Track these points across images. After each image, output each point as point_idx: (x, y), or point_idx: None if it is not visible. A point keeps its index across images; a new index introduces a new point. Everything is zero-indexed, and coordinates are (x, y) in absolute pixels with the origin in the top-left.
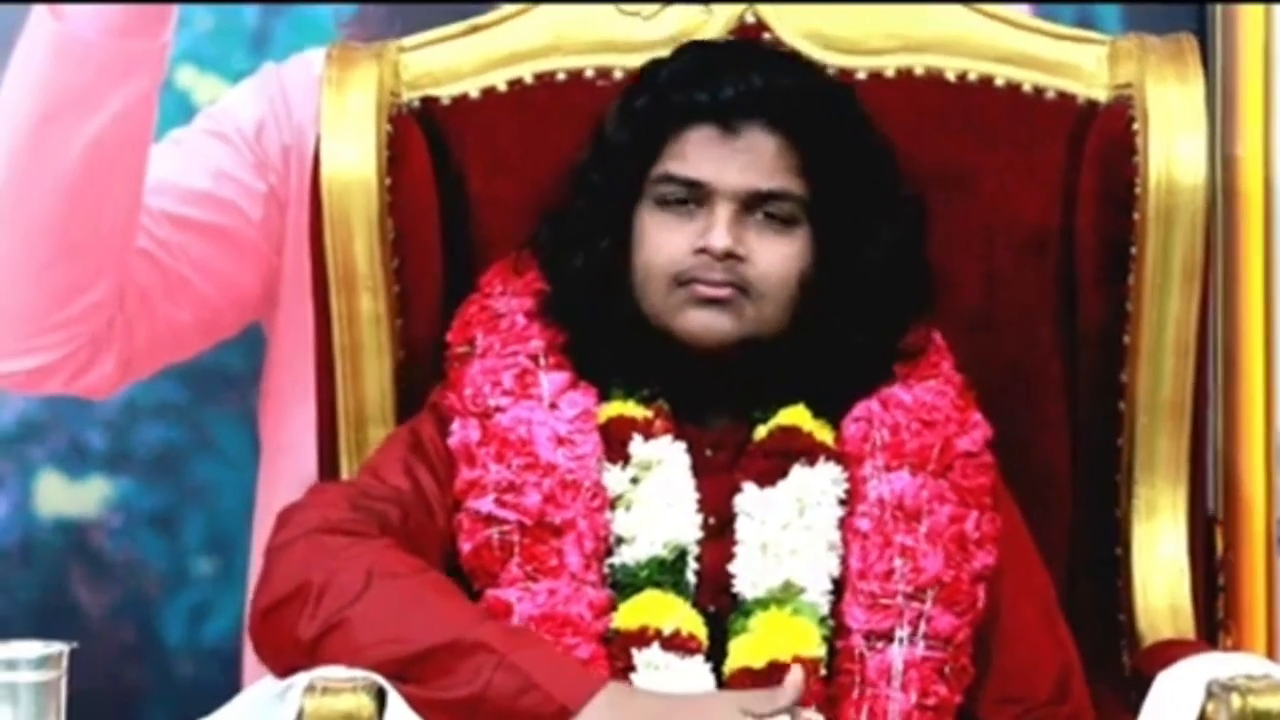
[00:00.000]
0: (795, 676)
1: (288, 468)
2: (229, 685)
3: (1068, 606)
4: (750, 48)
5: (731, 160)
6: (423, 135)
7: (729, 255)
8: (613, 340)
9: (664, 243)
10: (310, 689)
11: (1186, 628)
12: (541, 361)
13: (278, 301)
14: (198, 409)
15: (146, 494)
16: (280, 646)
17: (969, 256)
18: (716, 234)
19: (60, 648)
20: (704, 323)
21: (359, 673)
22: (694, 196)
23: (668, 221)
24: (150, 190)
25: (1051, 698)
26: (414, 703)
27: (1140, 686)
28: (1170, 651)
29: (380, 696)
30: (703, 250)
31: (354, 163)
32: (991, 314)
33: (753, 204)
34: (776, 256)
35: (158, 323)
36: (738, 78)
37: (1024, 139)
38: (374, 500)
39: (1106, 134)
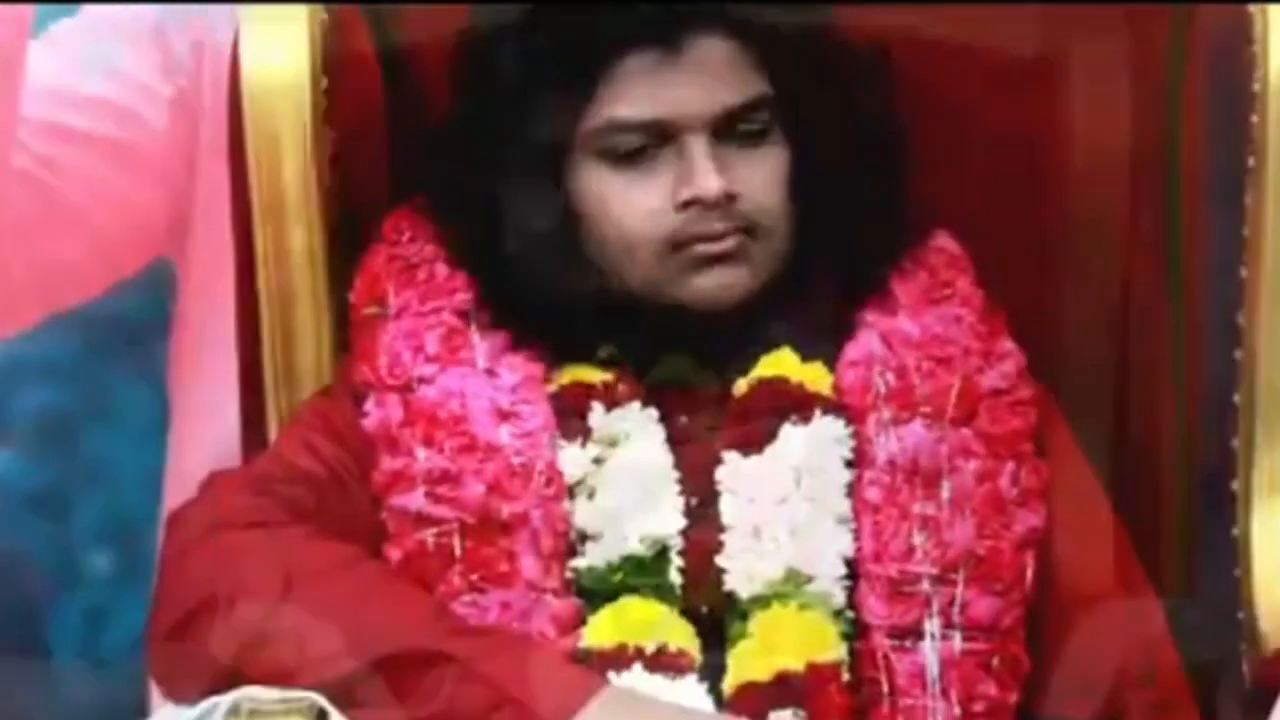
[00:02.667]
0: None
1: (203, 439)
2: (133, 707)
3: (1174, 600)
4: None
5: (687, 83)
6: (367, 26)
7: (725, 198)
8: (563, 308)
9: (634, 205)
10: (234, 712)
11: None
12: (472, 318)
13: (189, 233)
14: (91, 367)
15: (29, 471)
16: (191, 677)
17: (1039, 174)
18: (702, 178)
19: None
20: (717, 284)
21: (294, 692)
22: (653, 139)
23: (627, 177)
24: (27, 96)
25: (1136, 680)
26: None
27: (1264, 701)
28: None
29: (320, 719)
30: (690, 202)
31: (282, 60)
32: (1072, 246)
33: (724, 127)
34: (766, 178)
35: (39, 259)
36: None
37: (1109, 23)
38: (279, 483)
39: (1216, 16)
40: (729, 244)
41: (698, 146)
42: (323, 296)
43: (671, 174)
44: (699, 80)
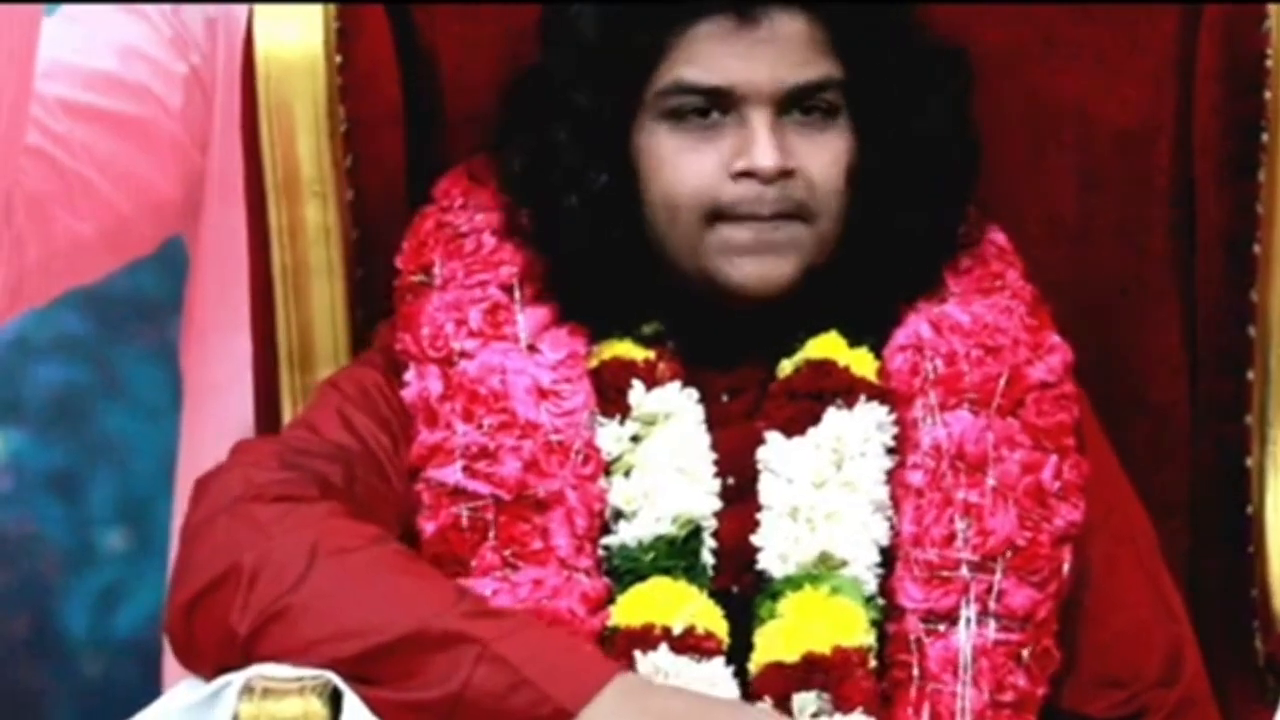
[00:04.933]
0: None
1: (216, 417)
2: (146, 687)
3: (1187, 579)
4: None
5: (757, 55)
6: (382, 2)
7: (781, 173)
8: (613, 274)
9: (688, 168)
10: (248, 691)
11: None
12: (516, 293)
13: (202, 210)
14: (105, 345)
15: (42, 450)
16: (207, 647)
17: (1060, 150)
18: (761, 150)
19: None
20: (760, 273)
21: (307, 671)
22: (717, 105)
23: (687, 140)
24: (42, 74)
25: (1159, 679)
26: (376, 706)
27: (1278, 677)
28: None
29: (335, 699)
30: (745, 173)
31: (297, 37)
32: (1089, 221)
33: (789, 103)
34: (826, 160)
35: (55, 238)
36: None
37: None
38: (310, 457)
39: None
40: (779, 234)
41: (760, 119)
42: (338, 272)
43: (730, 144)
44: (769, 53)
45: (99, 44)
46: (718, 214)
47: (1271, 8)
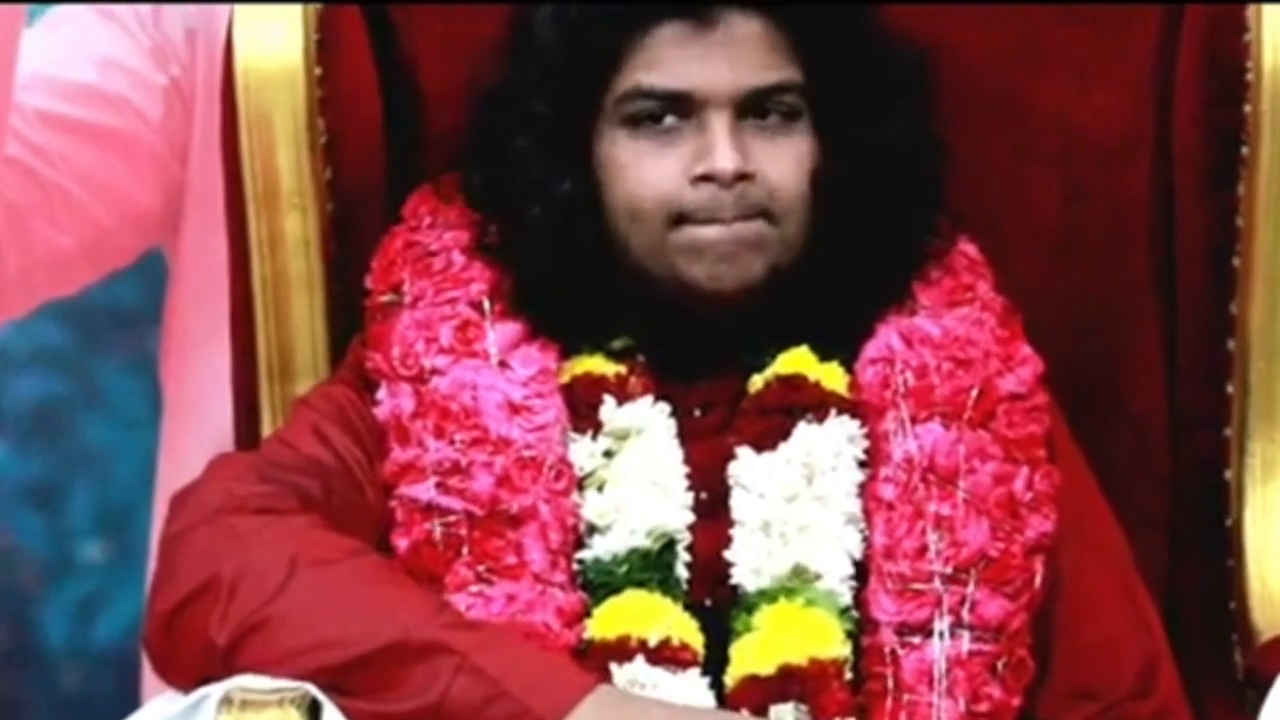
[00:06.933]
0: None
1: (196, 428)
2: (125, 697)
3: (1166, 591)
4: None
5: (715, 58)
6: (361, 14)
7: (740, 177)
8: (581, 287)
9: (649, 173)
10: (227, 702)
11: None
12: (487, 309)
13: (182, 222)
14: (84, 356)
15: (21, 461)
16: (186, 658)
17: (1040, 163)
18: (720, 154)
19: None
20: (726, 272)
21: (286, 682)
22: (676, 110)
23: (647, 146)
24: (21, 86)
25: (1134, 691)
26: (355, 717)
27: (1257, 690)
28: None
29: (314, 710)
30: (704, 177)
31: (276, 49)
32: (1070, 234)
33: (749, 106)
34: (787, 163)
35: (34, 248)
36: None
37: (1106, 12)
38: (288, 471)
39: (1210, 4)
40: (742, 230)
41: (719, 123)
42: (317, 284)
43: (689, 148)
44: (726, 56)
45: (78, 56)
46: (680, 218)
47: (1251, 18)
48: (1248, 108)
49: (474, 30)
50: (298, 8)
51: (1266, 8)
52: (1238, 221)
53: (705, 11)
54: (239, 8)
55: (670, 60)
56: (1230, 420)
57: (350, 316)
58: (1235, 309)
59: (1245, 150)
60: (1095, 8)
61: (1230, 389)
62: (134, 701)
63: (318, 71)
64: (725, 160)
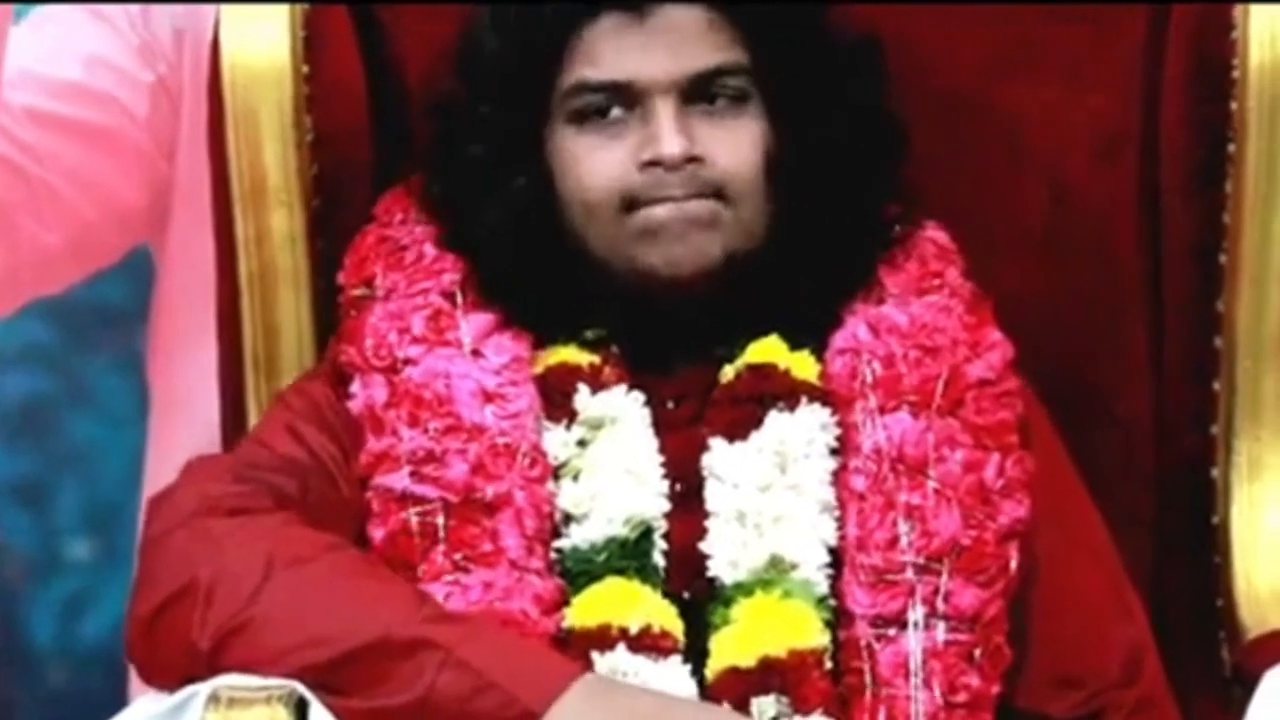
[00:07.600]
0: None
1: (183, 425)
2: (112, 696)
3: (1152, 589)
4: None
5: (655, 46)
6: (348, 13)
7: (687, 160)
8: (545, 284)
9: (598, 165)
10: (214, 700)
11: None
12: (459, 299)
13: (169, 220)
14: (71, 354)
15: (8, 460)
16: (169, 661)
17: (1029, 161)
18: (665, 139)
19: None
20: (683, 253)
21: (274, 680)
22: (620, 102)
23: (595, 140)
24: (8, 83)
25: (1118, 679)
26: (342, 714)
27: (1244, 687)
28: None
29: (300, 707)
30: (652, 163)
31: (263, 47)
32: (1058, 232)
33: (695, 91)
34: (736, 145)
35: (20, 246)
36: None
37: (1094, 11)
38: (263, 471)
39: (1197, 3)
40: (692, 209)
41: (664, 109)
42: (304, 281)
43: (637, 138)
44: (666, 43)
45: (65, 53)
46: (631, 202)
47: (1238, 17)
48: (1234, 105)
49: (460, 16)
50: (285, 7)
51: (1253, 6)
52: (1224, 219)
53: (641, 2)
54: (226, 6)
55: (609, 52)
56: (1217, 418)
57: (337, 312)
58: (1222, 307)
59: (1232, 148)
60: (1082, 8)
61: (1217, 387)
62: (121, 700)
63: (304, 69)
64: (672, 144)
